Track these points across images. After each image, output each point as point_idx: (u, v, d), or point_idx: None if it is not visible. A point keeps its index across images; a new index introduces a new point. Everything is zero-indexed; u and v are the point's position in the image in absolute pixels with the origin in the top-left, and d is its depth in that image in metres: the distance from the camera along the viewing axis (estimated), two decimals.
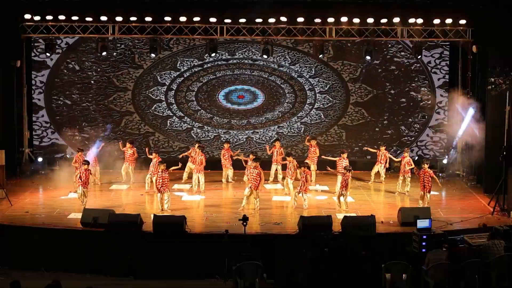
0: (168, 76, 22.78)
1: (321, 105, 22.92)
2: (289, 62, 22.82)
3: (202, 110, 22.97)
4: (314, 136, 21.48)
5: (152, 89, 22.83)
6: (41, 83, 22.56)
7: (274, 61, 22.71)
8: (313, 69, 22.82)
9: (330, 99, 22.92)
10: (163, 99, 22.80)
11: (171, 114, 22.84)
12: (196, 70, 22.79)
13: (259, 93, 22.96)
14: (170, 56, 22.64)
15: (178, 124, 22.87)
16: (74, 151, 20.97)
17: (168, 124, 22.88)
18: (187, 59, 22.76)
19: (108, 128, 22.43)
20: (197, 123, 22.92)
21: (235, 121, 23.03)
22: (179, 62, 22.75)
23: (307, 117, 22.95)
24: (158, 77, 22.80)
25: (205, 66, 22.82)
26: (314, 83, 22.85)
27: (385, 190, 20.32)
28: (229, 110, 23.04)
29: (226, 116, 23.04)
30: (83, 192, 17.73)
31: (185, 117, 22.88)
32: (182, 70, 22.77)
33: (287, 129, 22.95)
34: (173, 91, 22.82)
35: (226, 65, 22.83)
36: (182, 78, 22.82)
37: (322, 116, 22.96)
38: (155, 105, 22.87)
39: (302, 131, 22.94)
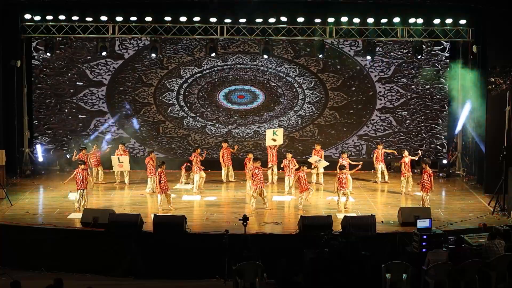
0: (175, 82, 23.02)
1: (311, 100, 23.04)
2: (275, 64, 22.94)
3: (206, 112, 23.15)
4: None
5: (164, 95, 23.08)
6: (102, 95, 22.89)
7: (262, 64, 22.90)
8: (297, 70, 22.95)
9: (317, 94, 23.05)
10: (175, 102, 23.10)
11: (185, 115, 23.13)
12: (197, 76, 23.01)
13: (259, 93, 23.04)
14: (176, 65, 22.95)
15: (193, 123, 23.13)
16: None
17: (185, 124, 23.18)
18: (188, 67, 22.91)
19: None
20: (209, 121, 23.17)
21: (236, 120, 23.16)
22: (182, 70, 22.95)
23: (302, 111, 23.12)
24: (167, 84, 23.03)
25: (204, 72, 22.98)
26: (300, 81, 23.01)
27: (386, 190, 20.34)
28: (229, 110, 23.12)
29: (227, 115, 23.16)
30: (82, 195, 17.48)
31: (197, 117, 23.16)
32: (186, 77, 23.01)
33: (286, 122, 23.11)
34: (182, 95, 23.13)
35: (222, 70, 22.97)
36: (187, 84, 23.04)
37: (314, 109, 23.13)
38: (170, 108, 23.15)
39: (299, 123, 23.12)
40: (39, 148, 22.46)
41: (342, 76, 23.00)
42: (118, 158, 20.24)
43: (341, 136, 23.20)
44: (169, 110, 23.15)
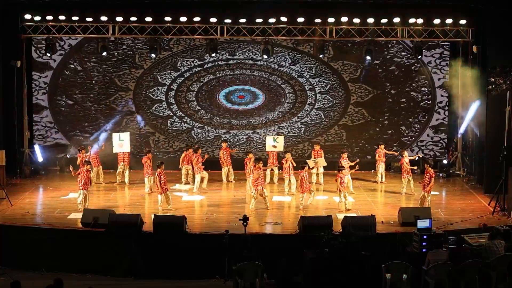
0: (168, 76, 22.74)
1: (322, 105, 22.82)
2: (289, 62, 22.72)
3: (202, 110, 22.89)
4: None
5: (152, 89, 22.77)
6: (45, 83, 22.43)
7: (275, 61, 22.59)
8: (313, 69, 22.70)
9: (331, 99, 22.81)
10: (164, 99, 22.73)
11: (171, 114, 22.77)
12: (196, 70, 22.72)
13: (259, 93, 22.92)
14: (170, 56, 22.53)
15: (179, 124, 22.81)
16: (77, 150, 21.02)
17: (169, 124, 22.83)
18: (187, 59, 22.72)
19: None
20: (197, 123, 22.84)
21: (235, 121, 22.95)
22: (179, 62, 22.69)
23: (308, 117, 22.85)
24: (159, 77, 22.76)
25: (206, 66, 22.74)
26: (314, 83, 22.73)
27: (385, 190, 20.33)
28: (229, 110, 23.00)
29: (226, 116, 22.99)
30: (85, 196, 17.46)
31: (186, 117, 22.80)
32: (183, 70, 22.72)
33: (287, 129, 22.86)
34: (174, 91, 22.74)
35: (226, 65, 22.72)
36: (182, 78, 22.75)
37: (323, 116, 22.85)
38: (156, 105, 22.83)
39: (302, 131, 22.87)
40: (37, 149, 22.40)
41: (361, 64, 22.50)
42: (119, 135, 20.09)
43: (375, 140, 22.38)
44: (153, 108, 22.76)
